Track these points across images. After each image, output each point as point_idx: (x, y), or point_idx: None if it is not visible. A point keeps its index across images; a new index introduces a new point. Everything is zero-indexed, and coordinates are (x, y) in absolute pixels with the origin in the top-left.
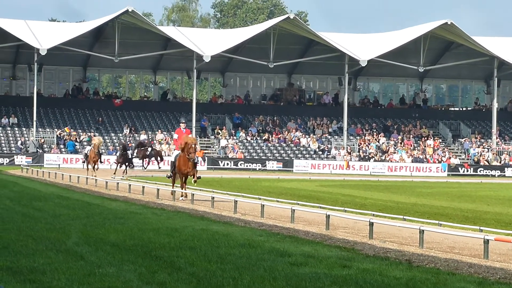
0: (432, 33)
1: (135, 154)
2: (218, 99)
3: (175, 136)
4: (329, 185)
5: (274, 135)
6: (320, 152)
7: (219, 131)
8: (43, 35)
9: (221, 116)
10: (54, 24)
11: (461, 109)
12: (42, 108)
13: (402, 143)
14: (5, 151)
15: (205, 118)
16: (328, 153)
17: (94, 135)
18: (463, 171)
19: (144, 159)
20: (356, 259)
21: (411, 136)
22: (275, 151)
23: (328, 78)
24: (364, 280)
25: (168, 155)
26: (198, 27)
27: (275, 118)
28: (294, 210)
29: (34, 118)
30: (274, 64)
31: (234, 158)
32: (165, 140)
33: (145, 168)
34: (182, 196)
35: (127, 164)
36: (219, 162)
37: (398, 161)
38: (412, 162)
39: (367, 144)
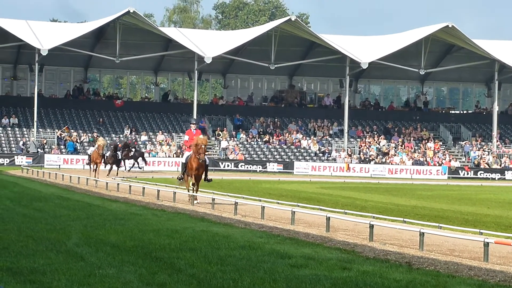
0: (433, 36)
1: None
2: (219, 100)
3: (186, 137)
4: (329, 187)
5: (274, 137)
6: (321, 154)
7: (220, 132)
8: (44, 35)
9: (222, 118)
10: (55, 25)
11: (461, 112)
12: (43, 109)
13: (403, 145)
14: (6, 152)
15: (202, 119)
16: (329, 155)
17: (98, 136)
18: (464, 174)
19: (128, 160)
20: (356, 261)
21: (412, 138)
22: (275, 153)
23: (329, 80)
24: (364, 282)
25: (168, 156)
26: (199, 29)
27: (276, 119)
28: (294, 212)
29: (35, 119)
30: (275, 66)
31: (234, 160)
32: (166, 141)
33: (128, 170)
34: (195, 199)
35: (115, 164)
36: (220, 163)
37: (398, 164)
38: (412, 164)
39: (367, 146)
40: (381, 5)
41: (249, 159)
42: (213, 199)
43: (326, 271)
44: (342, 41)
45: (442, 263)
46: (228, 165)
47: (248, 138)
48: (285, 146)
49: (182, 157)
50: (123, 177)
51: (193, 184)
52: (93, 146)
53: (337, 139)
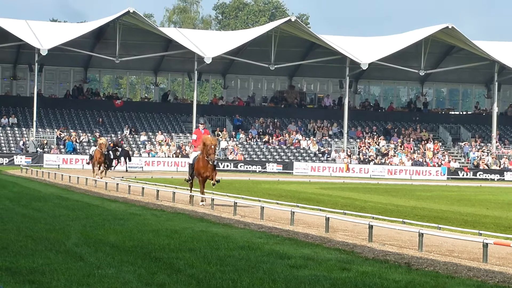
0: (433, 37)
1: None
2: (218, 101)
3: (194, 137)
4: (329, 187)
5: (274, 137)
6: (320, 155)
7: (220, 132)
8: (44, 35)
9: (221, 118)
10: (55, 25)
11: (461, 113)
12: (42, 109)
13: (402, 146)
14: (5, 151)
15: (200, 120)
16: (328, 156)
17: (100, 135)
18: (463, 175)
19: (114, 159)
20: (355, 262)
21: (411, 139)
22: (275, 153)
23: (329, 81)
24: (363, 283)
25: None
26: (199, 29)
27: (275, 120)
28: (293, 212)
29: (34, 119)
30: (275, 66)
31: (234, 160)
32: (165, 141)
33: (113, 168)
34: (202, 201)
35: (107, 164)
36: (219, 163)
37: (398, 164)
38: (411, 165)
39: (367, 147)
40: (381, 6)
41: (248, 159)
42: (213, 200)
43: (325, 271)
44: (342, 41)
45: (441, 264)
46: (227, 166)
47: (247, 139)
48: (284, 147)
49: (189, 157)
50: (122, 177)
51: (200, 186)
52: (95, 146)
53: (336, 139)
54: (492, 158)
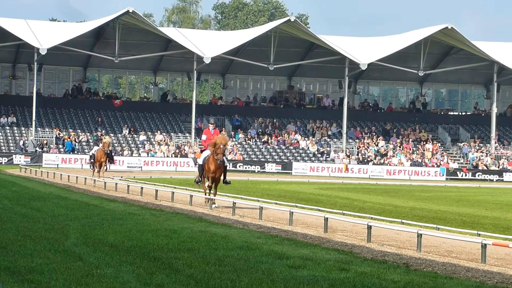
0: (432, 37)
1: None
2: (218, 100)
3: (204, 137)
4: (327, 188)
5: (273, 137)
6: (319, 155)
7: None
8: (43, 34)
9: (220, 118)
10: (54, 24)
11: (460, 113)
12: (42, 108)
13: (401, 146)
14: (4, 151)
15: (197, 120)
16: (327, 156)
17: (102, 135)
18: (462, 176)
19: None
20: (354, 262)
21: (410, 140)
22: (274, 154)
23: (328, 81)
24: (362, 284)
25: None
26: (198, 29)
27: (274, 120)
28: (292, 212)
29: (33, 118)
30: (275, 66)
31: (233, 160)
32: (164, 141)
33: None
34: (214, 203)
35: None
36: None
37: (396, 165)
38: (410, 166)
39: (366, 147)
40: (380, 6)
41: (247, 159)
42: (212, 199)
43: (324, 272)
44: (341, 42)
45: (439, 265)
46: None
47: (246, 139)
48: (283, 147)
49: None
50: (121, 177)
51: (209, 187)
52: (97, 146)
53: (335, 140)
54: (491, 158)
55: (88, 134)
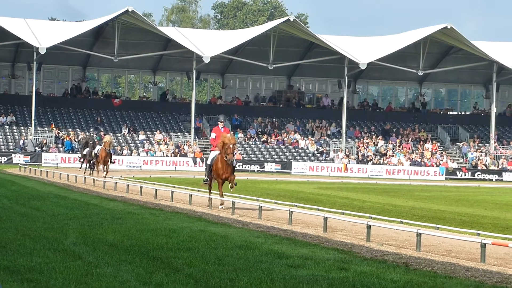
0: (431, 37)
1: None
2: (217, 100)
3: (213, 135)
4: (327, 187)
5: (272, 137)
6: (319, 155)
7: None
8: (42, 34)
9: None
10: (53, 23)
11: (459, 113)
12: (41, 107)
13: (401, 146)
14: (3, 150)
15: (197, 119)
16: (327, 156)
17: (104, 134)
18: (461, 175)
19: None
20: (353, 261)
21: (410, 139)
22: (273, 153)
23: (328, 81)
24: (361, 283)
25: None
26: (198, 28)
27: (274, 120)
28: (292, 212)
29: (33, 117)
30: (274, 66)
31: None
32: (164, 140)
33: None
34: (221, 204)
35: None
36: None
37: (396, 165)
38: (410, 165)
39: (365, 147)
40: (380, 6)
41: (247, 159)
42: (211, 199)
43: (323, 271)
44: (341, 41)
45: (439, 264)
46: None
47: (246, 138)
48: (283, 146)
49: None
50: (121, 176)
51: (219, 188)
52: (99, 145)
53: (335, 139)
54: (490, 158)
55: (87, 133)
